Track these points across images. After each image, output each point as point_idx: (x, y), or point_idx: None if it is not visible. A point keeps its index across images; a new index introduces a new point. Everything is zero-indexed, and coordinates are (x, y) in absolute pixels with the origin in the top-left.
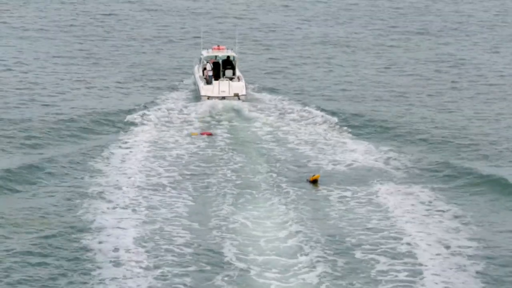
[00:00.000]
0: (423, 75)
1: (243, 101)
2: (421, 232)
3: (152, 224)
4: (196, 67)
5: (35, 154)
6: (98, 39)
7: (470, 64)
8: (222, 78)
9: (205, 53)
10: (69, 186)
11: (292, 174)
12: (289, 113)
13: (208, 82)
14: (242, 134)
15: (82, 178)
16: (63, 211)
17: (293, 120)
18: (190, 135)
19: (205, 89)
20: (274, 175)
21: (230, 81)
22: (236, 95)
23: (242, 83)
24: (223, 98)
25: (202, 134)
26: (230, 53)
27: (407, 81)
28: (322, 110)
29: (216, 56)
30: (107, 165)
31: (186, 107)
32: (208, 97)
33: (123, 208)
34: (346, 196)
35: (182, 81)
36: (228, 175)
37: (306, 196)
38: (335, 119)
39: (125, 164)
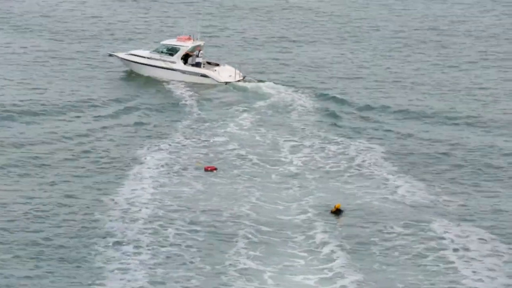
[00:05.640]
0: (476, 102)
1: (250, 81)
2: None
3: (160, 266)
4: (149, 54)
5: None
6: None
7: None
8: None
9: (171, 42)
10: (77, 221)
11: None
12: (322, 139)
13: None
14: (267, 161)
15: (92, 213)
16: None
17: (324, 147)
18: (195, 165)
19: (221, 76)
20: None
21: (227, 66)
22: (244, 77)
23: (233, 68)
24: (238, 81)
25: (206, 169)
26: (197, 42)
27: (457, 110)
28: (359, 135)
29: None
30: (115, 197)
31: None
32: (226, 83)
33: (131, 245)
34: (395, 235)
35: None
36: (248, 212)
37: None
38: (379, 149)
39: (134, 197)
